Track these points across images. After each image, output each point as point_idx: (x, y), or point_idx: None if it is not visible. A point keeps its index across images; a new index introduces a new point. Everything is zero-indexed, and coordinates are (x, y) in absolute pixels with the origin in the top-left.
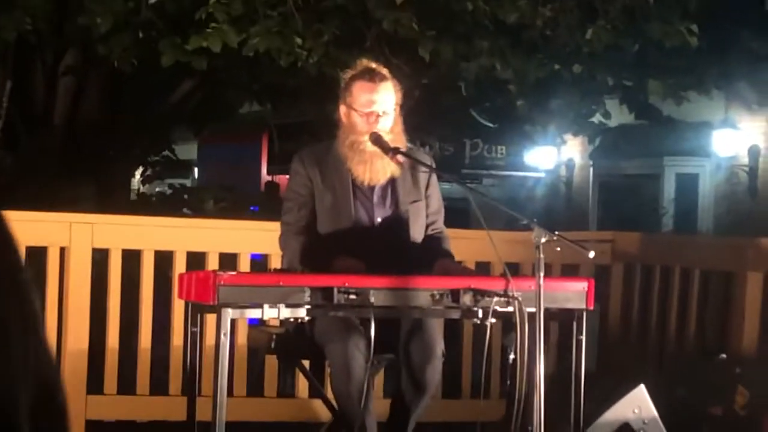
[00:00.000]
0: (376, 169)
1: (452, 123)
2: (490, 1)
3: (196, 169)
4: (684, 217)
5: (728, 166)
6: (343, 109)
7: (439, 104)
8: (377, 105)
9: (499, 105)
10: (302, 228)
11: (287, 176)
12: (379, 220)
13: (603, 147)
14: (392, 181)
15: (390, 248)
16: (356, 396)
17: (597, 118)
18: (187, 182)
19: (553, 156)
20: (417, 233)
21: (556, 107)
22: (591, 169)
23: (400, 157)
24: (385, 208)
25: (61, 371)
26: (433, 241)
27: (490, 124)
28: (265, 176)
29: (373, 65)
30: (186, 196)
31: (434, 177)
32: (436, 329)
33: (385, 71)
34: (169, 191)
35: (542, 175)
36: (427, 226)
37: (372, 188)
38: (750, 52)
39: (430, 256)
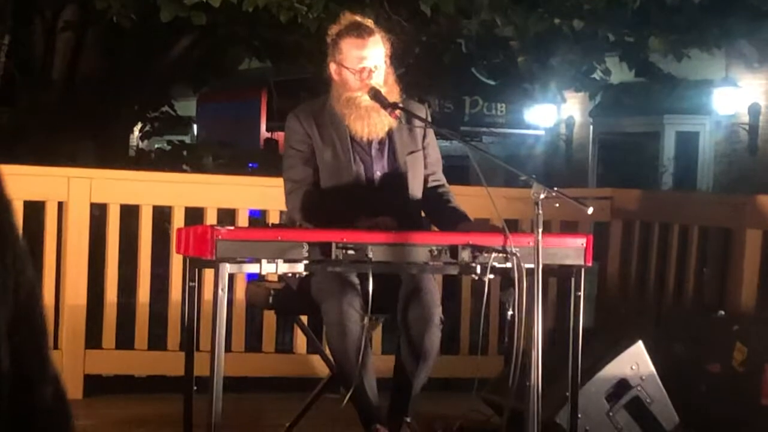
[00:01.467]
0: (374, 123)
1: (452, 80)
2: None
3: (195, 126)
4: (684, 175)
5: (728, 124)
6: (333, 66)
7: (439, 61)
8: (368, 60)
9: (500, 62)
10: (311, 184)
11: None
12: (378, 173)
13: (603, 105)
14: (389, 134)
15: (390, 200)
16: (353, 353)
17: (598, 74)
18: (186, 139)
19: (552, 114)
20: (416, 184)
21: (556, 64)
22: (591, 127)
23: (397, 111)
24: (383, 161)
25: (40, 291)
26: (440, 197)
27: (490, 82)
28: (264, 133)
29: (359, 18)
30: (185, 153)
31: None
32: (435, 296)
33: (371, 23)
34: (168, 148)
35: (542, 132)
36: (428, 178)
37: (369, 143)
38: (751, 9)
39: (443, 213)
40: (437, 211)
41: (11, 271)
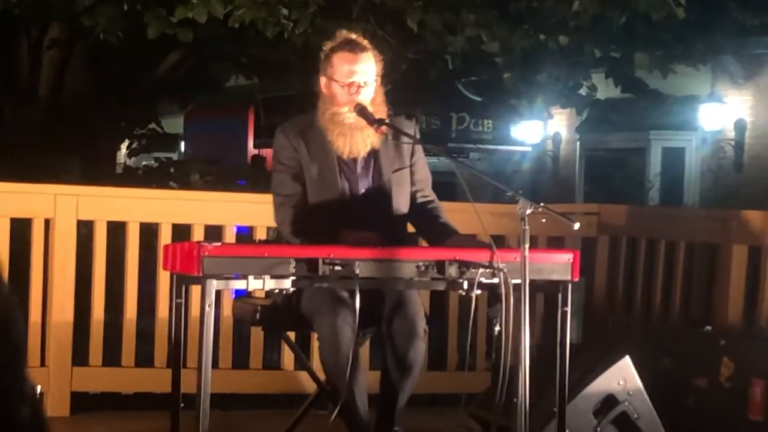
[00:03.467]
0: (356, 141)
1: (439, 97)
2: None
3: (182, 143)
4: (670, 191)
5: (714, 140)
6: (323, 80)
7: (426, 78)
8: (358, 76)
9: (486, 78)
10: (300, 200)
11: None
12: (362, 190)
13: (589, 121)
14: (374, 152)
15: (374, 217)
16: (344, 368)
17: (584, 90)
18: (174, 156)
19: (539, 130)
20: (401, 201)
21: (542, 80)
22: (577, 143)
23: (383, 128)
24: (368, 179)
25: (17, 311)
26: (429, 213)
27: (477, 98)
28: (251, 150)
29: (353, 36)
30: (172, 170)
31: (419, 145)
32: (418, 308)
33: (365, 42)
34: (155, 165)
35: (529, 149)
36: (415, 194)
37: (355, 160)
38: (737, 25)
39: (431, 229)
40: (427, 227)
41: None
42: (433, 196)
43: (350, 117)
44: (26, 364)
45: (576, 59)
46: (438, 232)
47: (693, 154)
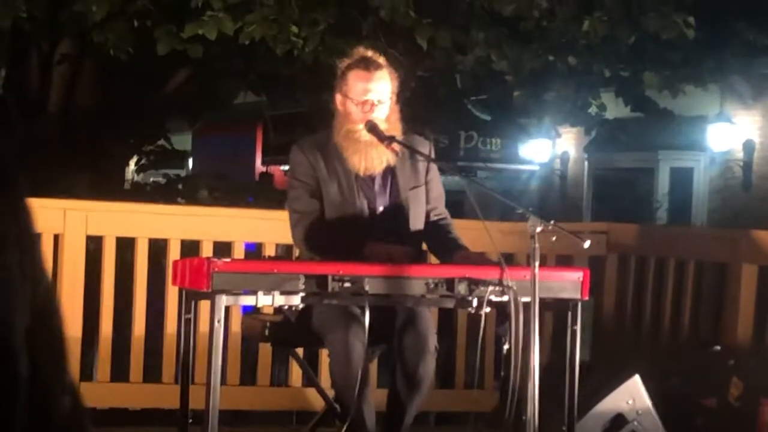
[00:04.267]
0: (371, 158)
1: (447, 115)
2: None
3: (190, 160)
4: (678, 211)
5: (723, 161)
6: (338, 98)
7: (435, 96)
8: (372, 93)
9: (495, 97)
10: (318, 216)
11: (281, 167)
12: (380, 208)
13: (598, 140)
14: (392, 169)
15: (391, 236)
16: (354, 384)
17: (593, 110)
18: (182, 173)
19: (547, 149)
20: (417, 219)
21: (551, 99)
22: (585, 163)
23: (396, 146)
24: (385, 197)
25: (57, 299)
26: (441, 230)
27: (486, 117)
28: (259, 167)
29: (369, 53)
30: (180, 186)
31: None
32: (429, 324)
33: (381, 59)
34: (163, 181)
35: (537, 167)
36: (429, 212)
37: (372, 177)
38: (746, 45)
39: (442, 245)
40: (437, 242)
41: (28, 278)
42: (445, 214)
43: (365, 134)
44: (67, 354)
45: (585, 78)
46: (447, 249)
47: (701, 174)
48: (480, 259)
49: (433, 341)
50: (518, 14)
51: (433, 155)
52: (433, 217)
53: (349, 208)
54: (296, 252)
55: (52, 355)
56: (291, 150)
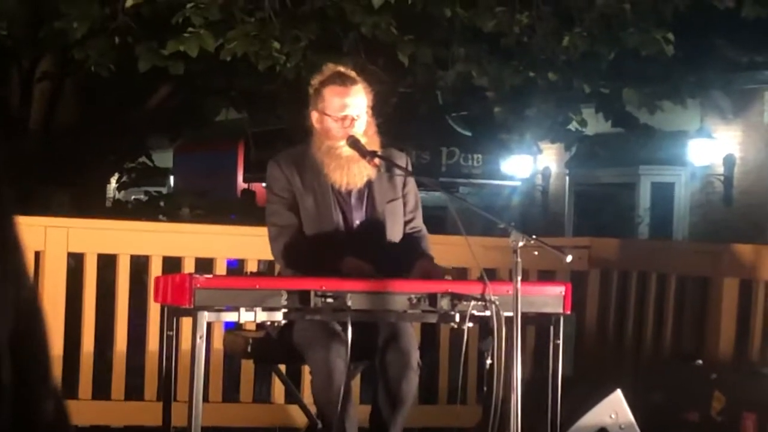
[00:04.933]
0: (353, 174)
1: (429, 131)
2: (468, 8)
3: (172, 177)
4: (659, 226)
5: (704, 176)
6: (315, 115)
7: (416, 112)
8: (350, 109)
9: (476, 113)
10: (296, 230)
11: (263, 184)
12: (357, 222)
13: (579, 156)
14: (369, 183)
15: (368, 250)
16: (336, 401)
17: (573, 126)
18: (163, 190)
19: (529, 165)
20: (395, 233)
21: (532, 115)
22: (567, 178)
23: (376, 160)
24: (362, 211)
25: (41, 304)
26: (411, 242)
27: (467, 133)
28: (241, 184)
29: (342, 69)
30: (162, 203)
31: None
32: (412, 341)
33: (354, 74)
34: (144, 198)
35: (518, 183)
36: (406, 224)
37: (349, 192)
38: (726, 61)
39: (409, 257)
40: (406, 254)
41: (12, 281)
42: (421, 227)
43: (347, 150)
44: (51, 359)
45: (565, 94)
46: (410, 258)
47: (682, 189)
48: (437, 271)
49: (415, 358)
50: (499, 30)
51: (410, 168)
52: (407, 230)
53: (325, 222)
54: (278, 267)
55: (36, 360)
56: (268, 165)
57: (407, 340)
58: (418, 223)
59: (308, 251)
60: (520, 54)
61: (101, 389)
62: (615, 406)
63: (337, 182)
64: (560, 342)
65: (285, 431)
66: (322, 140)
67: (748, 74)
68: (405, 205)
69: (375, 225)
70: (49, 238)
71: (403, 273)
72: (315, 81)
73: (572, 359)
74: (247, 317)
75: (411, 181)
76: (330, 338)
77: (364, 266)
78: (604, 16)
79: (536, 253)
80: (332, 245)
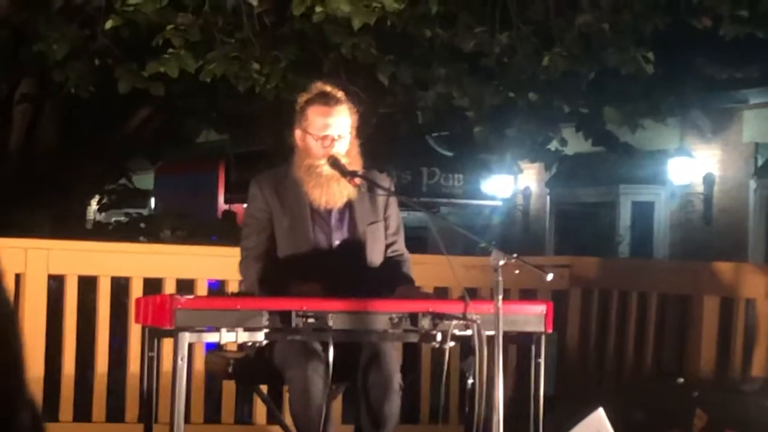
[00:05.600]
0: (333, 193)
1: (409, 151)
2: (448, 28)
3: (153, 199)
4: (640, 245)
5: (683, 194)
6: (298, 133)
7: (397, 132)
8: (332, 128)
9: (456, 133)
10: (262, 253)
11: (244, 204)
12: (337, 242)
13: (559, 175)
14: (350, 204)
15: (348, 271)
16: (315, 420)
17: (554, 145)
18: (144, 212)
19: (509, 184)
20: (375, 255)
21: (512, 135)
22: (548, 198)
23: (357, 180)
24: (342, 231)
25: (16, 316)
26: (393, 266)
27: (447, 153)
28: (222, 205)
29: (328, 88)
30: (142, 225)
31: (393, 198)
32: (394, 362)
33: (340, 94)
34: (125, 220)
35: (499, 203)
36: (387, 247)
37: (329, 211)
38: (705, 79)
39: (391, 281)
40: (387, 277)
41: None
42: (403, 250)
43: (327, 169)
44: (26, 370)
45: (546, 114)
46: (391, 283)
47: (662, 208)
48: (419, 296)
49: (397, 379)
50: (479, 51)
51: (392, 190)
52: (389, 253)
53: (301, 241)
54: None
55: (11, 372)
56: (250, 183)
57: (389, 361)
58: (400, 246)
59: (270, 275)
60: (501, 74)
61: (82, 412)
62: (597, 425)
63: (316, 201)
64: (542, 360)
65: None
66: (303, 158)
67: (728, 93)
68: (387, 228)
69: (355, 246)
70: (29, 260)
71: (384, 296)
72: (301, 99)
73: (554, 378)
74: (228, 338)
75: (393, 205)
76: (309, 357)
77: (314, 288)
78: (584, 35)
79: (517, 271)
80: (308, 267)
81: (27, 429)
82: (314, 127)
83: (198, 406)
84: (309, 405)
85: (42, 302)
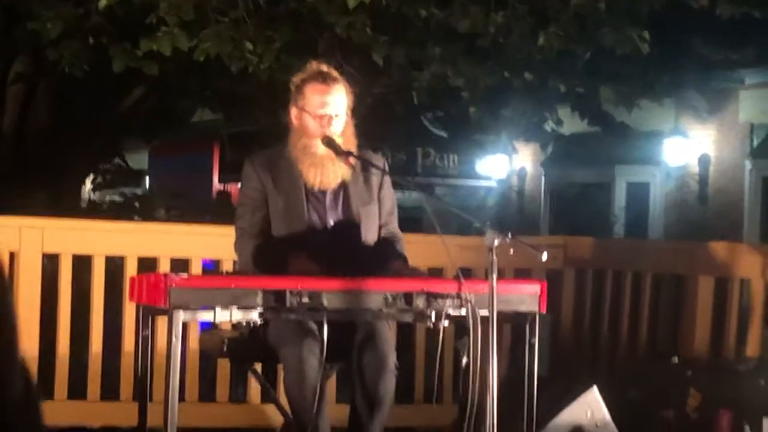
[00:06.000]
0: (327, 173)
1: (404, 131)
2: (443, 8)
3: (147, 178)
4: (634, 226)
5: (679, 175)
6: (294, 111)
7: (391, 112)
8: (330, 107)
9: (451, 113)
10: (257, 232)
11: (239, 185)
12: (331, 223)
13: (554, 156)
14: (344, 184)
15: (342, 251)
16: (309, 399)
17: (549, 126)
18: (139, 191)
19: (504, 165)
20: (370, 236)
21: (508, 115)
22: (542, 178)
23: (352, 160)
24: (337, 211)
25: (8, 285)
26: (386, 244)
27: (442, 133)
28: (216, 185)
29: (325, 68)
30: (137, 204)
31: (387, 179)
32: (389, 342)
33: (336, 74)
34: (120, 199)
35: (494, 183)
36: (381, 228)
37: (324, 192)
38: (701, 60)
39: (383, 258)
40: (380, 256)
41: None
42: (396, 231)
43: (322, 149)
44: (18, 340)
45: (541, 94)
46: (385, 259)
47: (657, 188)
48: (411, 273)
49: (392, 360)
50: (474, 31)
51: (381, 173)
52: (382, 234)
53: (296, 221)
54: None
55: (4, 341)
56: (244, 163)
57: (384, 342)
58: (394, 227)
59: (267, 253)
60: (496, 54)
61: (77, 390)
62: (591, 404)
63: (310, 180)
64: (536, 340)
65: (261, 430)
66: (298, 137)
67: (723, 73)
68: (380, 209)
69: (350, 226)
70: (23, 239)
71: (377, 273)
72: (297, 78)
73: (548, 357)
74: (222, 317)
75: (387, 186)
76: (303, 335)
77: (310, 266)
78: (579, 14)
79: (512, 251)
80: (302, 246)
81: (19, 398)
82: (311, 105)
83: (192, 384)
84: (303, 383)
85: (36, 280)
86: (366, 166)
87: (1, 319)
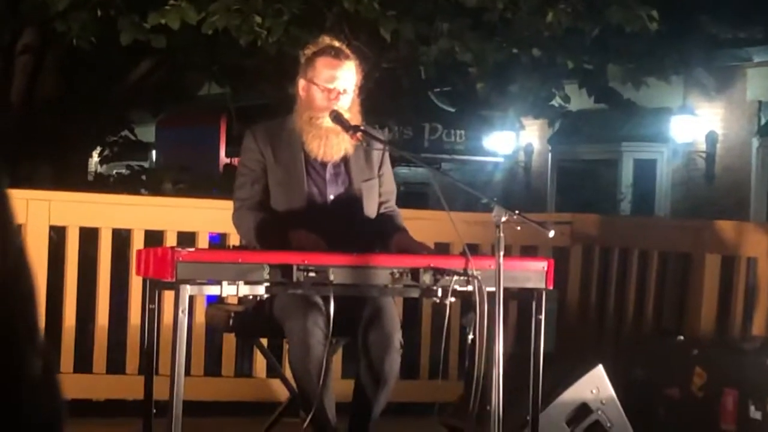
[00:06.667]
0: (331, 145)
1: (411, 107)
2: None
3: (154, 151)
4: (641, 203)
5: (686, 152)
6: (302, 83)
7: (399, 87)
8: (339, 81)
9: (459, 89)
10: (256, 203)
11: None
12: (331, 197)
13: (561, 132)
14: (345, 159)
15: (343, 226)
16: (314, 373)
17: (556, 102)
18: (146, 164)
19: (511, 141)
20: (370, 211)
21: (515, 91)
22: (549, 154)
23: (359, 135)
24: (337, 186)
25: (28, 259)
26: (386, 218)
27: (450, 109)
28: (223, 159)
29: (337, 43)
30: (144, 177)
31: (387, 156)
32: (395, 320)
33: (348, 50)
34: (127, 173)
35: (501, 159)
36: (380, 205)
37: (324, 165)
38: (709, 38)
39: (385, 232)
40: (380, 230)
41: None
42: (395, 208)
43: (327, 122)
44: (38, 316)
45: (549, 70)
46: (389, 234)
47: (664, 166)
48: (416, 245)
49: (398, 337)
50: (482, 6)
51: (387, 149)
52: (382, 210)
53: (296, 193)
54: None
55: (24, 317)
56: (244, 135)
57: (389, 319)
58: (393, 205)
59: (265, 225)
60: (504, 30)
61: (83, 363)
62: (596, 382)
63: (313, 151)
64: (542, 317)
65: (266, 405)
66: (304, 109)
67: (731, 51)
68: (380, 185)
69: (351, 200)
70: (30, 211)
71: (379, 247)
72: (308, 50)
73: (554, 334)
74: (229, 291)
75: (387, 163)
76: (308, 308)
77: (313, 238)
78: None
79: (518, 228)
80: (301, 218)
81: (38, 377)
82: (321, 78)
83: (198, 358)
84: (308, 356)
85: (43, 253)
86: (372, 141)
87: (19, 280)
